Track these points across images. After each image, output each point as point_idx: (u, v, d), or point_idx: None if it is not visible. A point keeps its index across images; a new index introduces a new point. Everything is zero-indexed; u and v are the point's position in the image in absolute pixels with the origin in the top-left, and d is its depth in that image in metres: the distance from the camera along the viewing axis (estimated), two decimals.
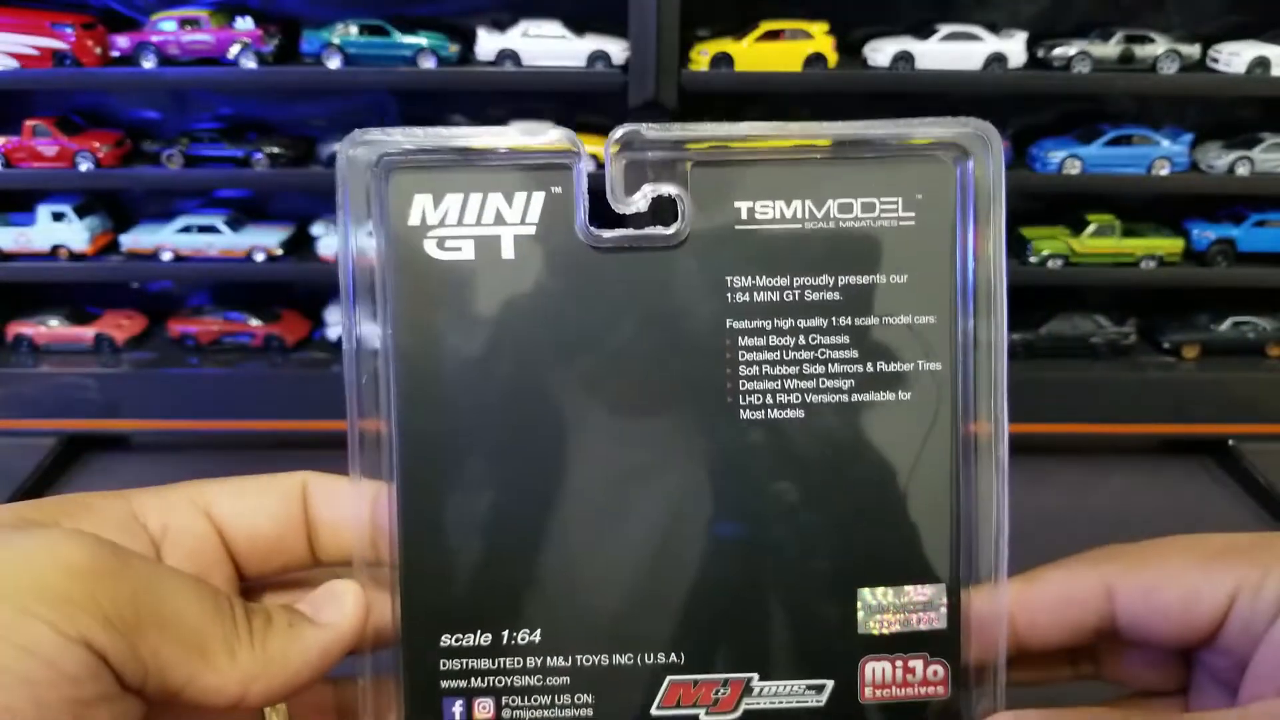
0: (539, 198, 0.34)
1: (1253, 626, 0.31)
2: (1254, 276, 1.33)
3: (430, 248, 0.33)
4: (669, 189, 0.34)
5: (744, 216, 0.33)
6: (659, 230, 0.34)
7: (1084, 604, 0.35)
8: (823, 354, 0.33)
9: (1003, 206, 0.33)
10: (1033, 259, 1.32)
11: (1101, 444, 1.46)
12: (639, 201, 0.34)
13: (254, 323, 1.35)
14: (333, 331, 1.35)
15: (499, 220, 0.33)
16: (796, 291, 0.33)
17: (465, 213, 0.33)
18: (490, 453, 0.34)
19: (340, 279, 0.33)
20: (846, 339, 0.33)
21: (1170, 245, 1.32)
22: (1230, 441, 1.37)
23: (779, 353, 0.33)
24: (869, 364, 0.33)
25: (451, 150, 0.33)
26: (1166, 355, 1.40)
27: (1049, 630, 0.35)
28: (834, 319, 0.33)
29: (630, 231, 0.34)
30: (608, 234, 0.34)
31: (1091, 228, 1.32)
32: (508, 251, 0.33)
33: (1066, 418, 1.38)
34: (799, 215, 0.33)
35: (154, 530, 0.33)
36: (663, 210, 0.34)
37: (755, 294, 0.33)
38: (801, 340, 0.33)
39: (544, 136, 0.34)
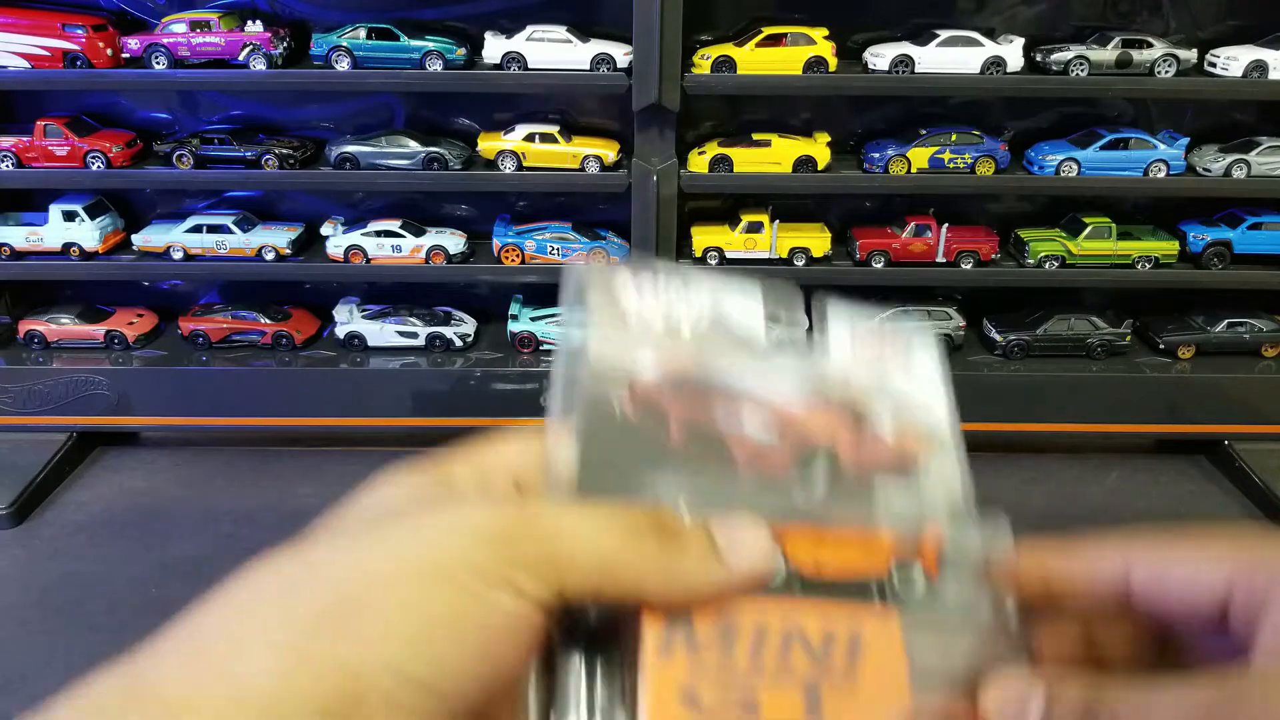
0: None
1: (1250, 611, 0.33)
2: (1249, 278, 1.35)
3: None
4: None
5: None
6: None
7: (1107, 571, 0.37)
8: None
9: None
10: (1030, 261, 1.34)
11: (1098, 443, 1.47)
12: None
13: (263, 321, 1.37)
14: (341, 330, 1.37)
15: None
16: None
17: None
18: None
19: None
20: None
21: (1166, 247, 1.34)
22: (1225, 441, 1.39)
23: None
24: None
25: None
26: (1162, 356, 1.42)
27: (1075, 590, 0.38)
28: None
29: None
30: None
31: (1088, 230, 1.33)
32: None
33: (1063, 417, 1.40)
34: None
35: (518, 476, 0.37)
36: None
37: None
38: None
39: None
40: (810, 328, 0.42)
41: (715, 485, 0.38)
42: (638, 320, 0.39)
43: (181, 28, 1.21)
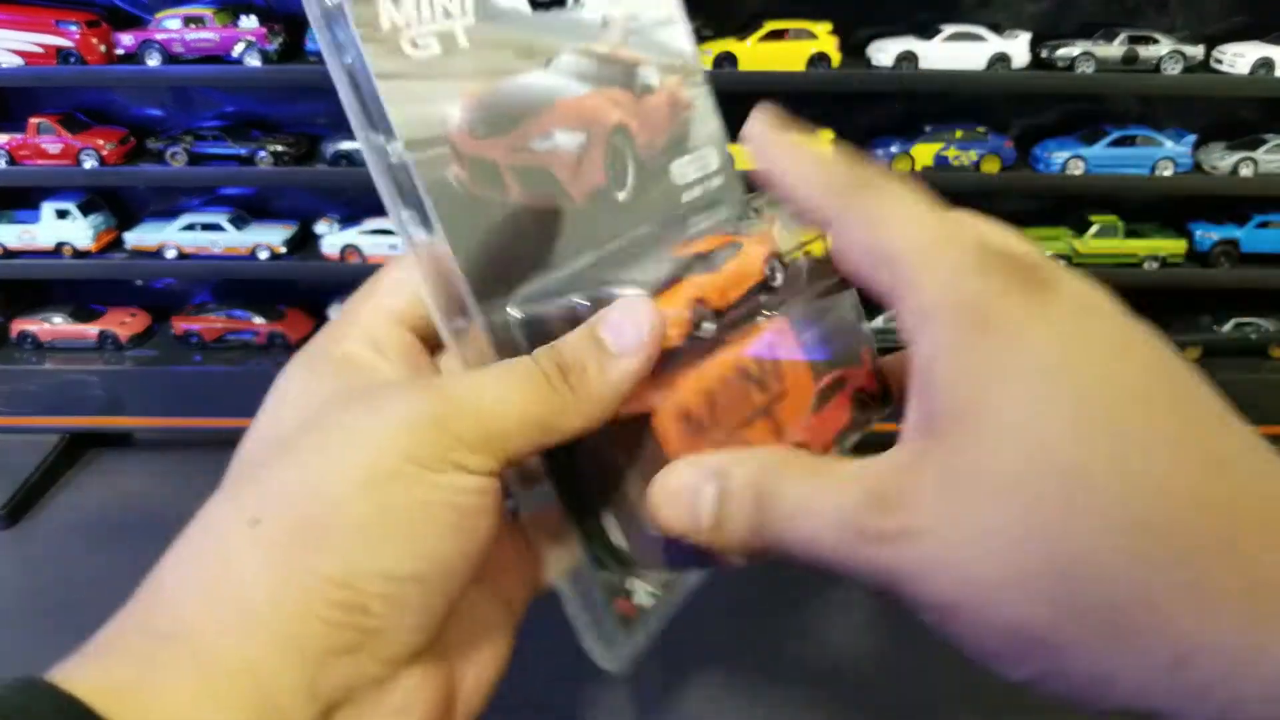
0: None
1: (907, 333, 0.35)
2: (1257, 277, 1.33)
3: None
4: None
5: None
6: None
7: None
8: None
9: None
10: None
11: None
12: None
13: (257, 320, 1.35)
14: None
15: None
16: None
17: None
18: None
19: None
20: None
21: (1173, 246, 1.32)
22: None
23: None
24: None
25: None
26: None
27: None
28: None
29: None
30: None
31: (1094, 228, 1.32)
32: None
33: None
34: None
35: (389, 355, 0.40)
36: None
37: None
38: None
39: None
40: None
41: (570, 243, 0.39)
42: (411, 47, 0.36)
43: (175, 23, 1.20)
